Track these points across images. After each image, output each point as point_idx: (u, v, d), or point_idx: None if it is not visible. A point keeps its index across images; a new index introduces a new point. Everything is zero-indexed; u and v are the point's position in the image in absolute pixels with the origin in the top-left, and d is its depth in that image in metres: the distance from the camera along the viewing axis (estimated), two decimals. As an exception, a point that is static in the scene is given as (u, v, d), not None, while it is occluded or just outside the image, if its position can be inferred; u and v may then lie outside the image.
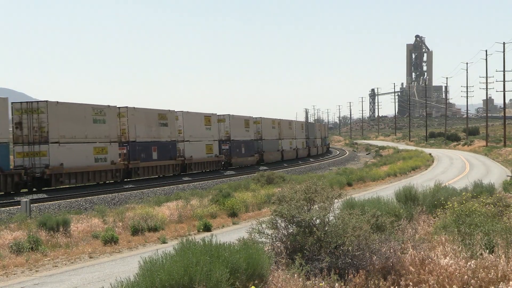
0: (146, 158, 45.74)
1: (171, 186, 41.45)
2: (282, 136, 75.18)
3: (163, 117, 49.14)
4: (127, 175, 44.06)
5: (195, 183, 44.06)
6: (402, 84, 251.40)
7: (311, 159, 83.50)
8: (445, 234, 12.72)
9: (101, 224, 21.68)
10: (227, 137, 60.13)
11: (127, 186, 40.83)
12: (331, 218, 10.98)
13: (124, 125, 44.36)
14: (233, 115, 61.73)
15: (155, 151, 47.10)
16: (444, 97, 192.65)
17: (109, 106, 42.85)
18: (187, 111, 53.81)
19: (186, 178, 48.30)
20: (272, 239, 11.13)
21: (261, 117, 69.38)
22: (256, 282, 8.90)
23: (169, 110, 50.41)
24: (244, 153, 62.91)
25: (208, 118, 56.75)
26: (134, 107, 46.28)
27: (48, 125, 36.61)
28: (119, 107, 44.30)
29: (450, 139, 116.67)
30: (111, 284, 8.79)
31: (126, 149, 43.91)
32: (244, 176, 49.49)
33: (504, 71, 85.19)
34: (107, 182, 42.04)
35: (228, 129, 60.28)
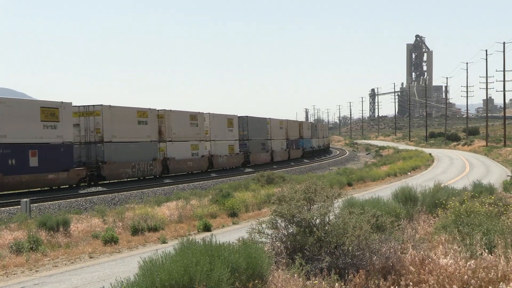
0: None
1: (171, 186, 41.44)
2: (170, 137, 48.79)
3: None
4: None
5: (195, 183, 44.04)
6: (402, 84, 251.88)
7: (249, 169, 57.70)
8: (445, 234, 12.70)
9: (101, 224, 21.68)
10: None
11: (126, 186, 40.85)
12: (331, 217, 10.97)
13: None
14: (7, 98, 36.27)
15: None
16: (444, 97, 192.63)
17: None
18: None
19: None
20: (272, 239, 11.11)
21: (102, 105, 41.32)
22: (256, 282, 8.89)
23: None
24: (38, 166, 35.34)
25: None
26: None
27: None
28: None
29: (450, 139, 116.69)
30: (111, 284, 8.78)
31: None
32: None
33: (504, 71, 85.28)
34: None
35: None
